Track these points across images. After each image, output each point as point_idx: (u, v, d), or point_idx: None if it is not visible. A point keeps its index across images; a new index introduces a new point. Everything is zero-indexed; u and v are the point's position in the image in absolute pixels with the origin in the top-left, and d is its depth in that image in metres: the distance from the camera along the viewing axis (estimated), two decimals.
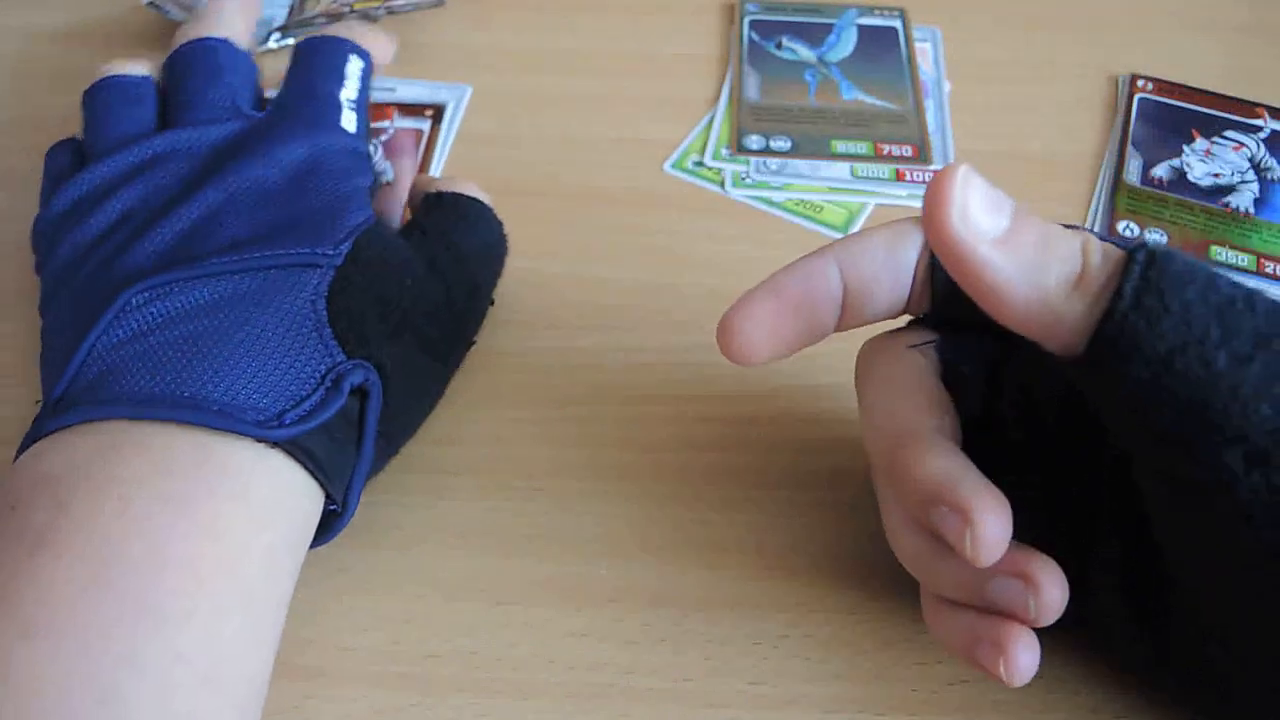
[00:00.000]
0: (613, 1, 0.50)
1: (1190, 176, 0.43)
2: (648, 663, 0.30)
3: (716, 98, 0.46)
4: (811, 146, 0.44)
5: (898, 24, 0.49)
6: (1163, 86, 0.46)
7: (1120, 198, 0.42)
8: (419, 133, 0.44)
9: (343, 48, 0.38)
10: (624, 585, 0.31)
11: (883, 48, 0.48)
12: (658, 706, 0.29)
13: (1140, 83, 0.46)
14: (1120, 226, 0.41)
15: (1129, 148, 0.44)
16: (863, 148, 0.43)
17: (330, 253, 0.31)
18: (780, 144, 0.43)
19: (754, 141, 0.43)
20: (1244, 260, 0.40)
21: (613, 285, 0.39)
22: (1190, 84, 0.46)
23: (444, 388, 0.35)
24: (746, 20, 0.49)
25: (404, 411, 0.32)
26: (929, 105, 0.46)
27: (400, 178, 0.41)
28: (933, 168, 0.43)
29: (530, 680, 0.29)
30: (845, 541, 0.32)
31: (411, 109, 0.45)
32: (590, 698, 0.29)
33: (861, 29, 0.49)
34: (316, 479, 0.28)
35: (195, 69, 0.37)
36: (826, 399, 0.35)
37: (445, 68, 0.47)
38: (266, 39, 0.47)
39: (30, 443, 0.27)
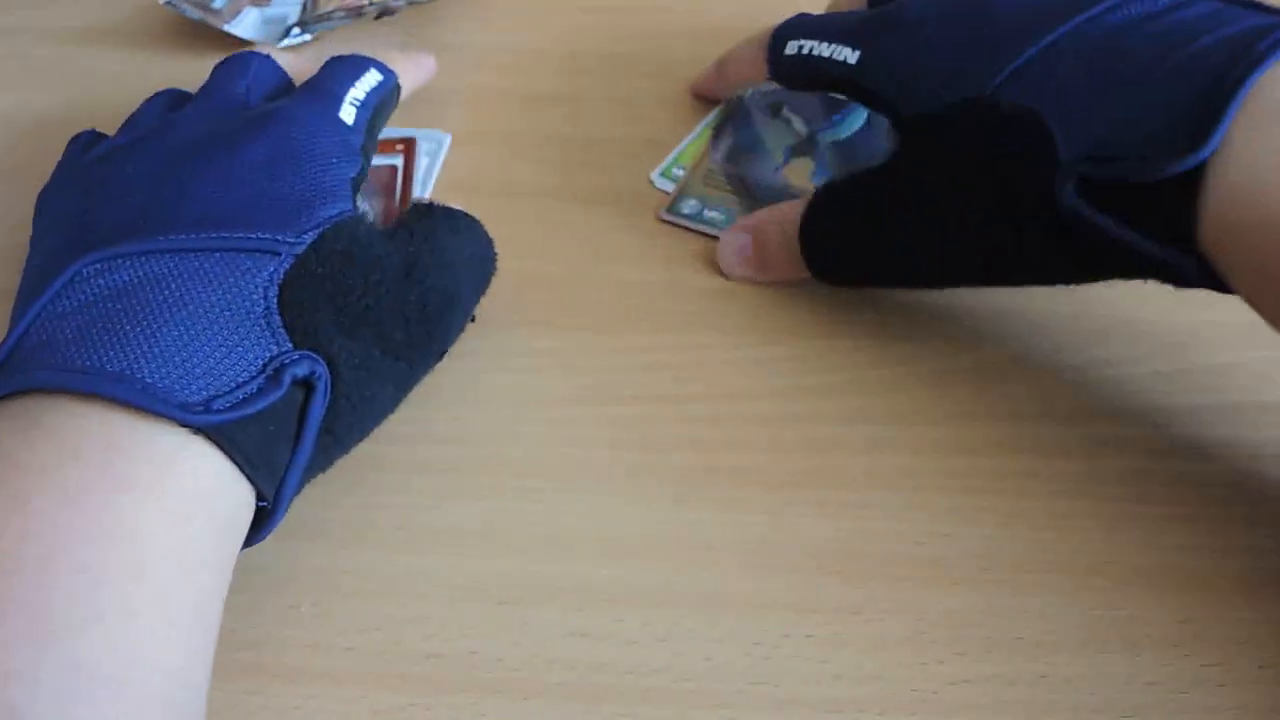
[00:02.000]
0: (620, 8, 0.50)
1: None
2: (648, 663, 0.30)
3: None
4: None
5: None
6: None
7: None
8: (393, 169, 0.42)
9: (366, 62, 0.38)
10: (624, 585, 0.31)
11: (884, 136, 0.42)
12: (658, 706, 0.29)
13: None
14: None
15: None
16: None
17: (292, 240, 0.30)
18: (714, 215, 0.41)
19: (690, 206, 0.41)
20: None
21: (613, 285, 0.39)
22: None
23: (405, 393, 0.33)
24: (749, 89, 0.44)
25: (356, 410, 0.30)
26: None
27: (377, 217, 0.40)
28: None
29: (530, 680, 0.29)
30: (845, 541, 0.32)
31: (382, 144, 0.42)
32: (590, 698, 0.29)
33: (874, 116, 0.43)
34: (243, 471, 0.27)
35: (223, 67, 0.38)
36: (827, 399, 0.35)
37: (445, 68, 0.47)
38: (285, 35, 0.47)
39: None
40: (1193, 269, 0.28)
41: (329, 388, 0.29)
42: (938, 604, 0.31)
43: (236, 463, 0.27)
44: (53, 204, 0.34)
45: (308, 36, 0.48)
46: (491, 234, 0.39)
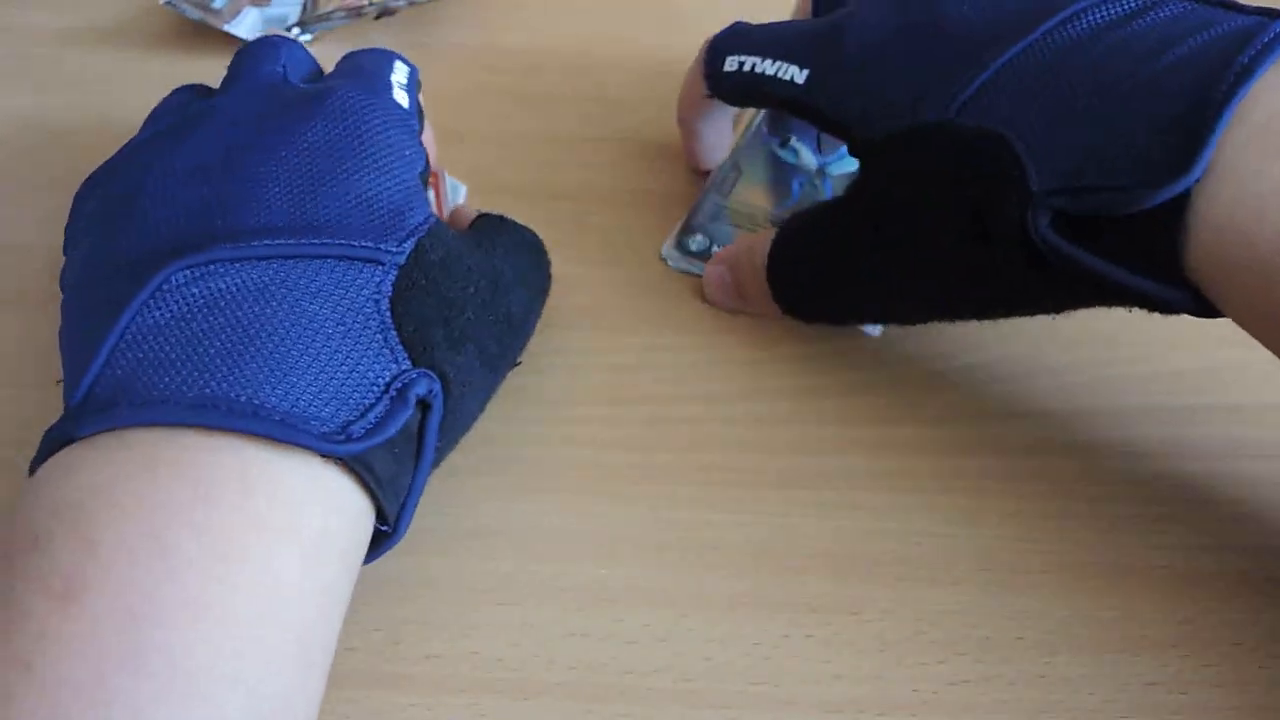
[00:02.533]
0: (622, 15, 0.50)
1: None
2: (648, 663, 0.30)
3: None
4: None
5: None
6: None
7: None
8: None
9: (388, 52, 0.36)
10: (624, 585, 0.31)
11: None
12: (658, 706, 0.29)
13: None
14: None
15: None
16: None
17: (394, 250, 0.28)
18: None
19: (697, 243, 0.39)
20: None
21: (613, 285, 0.39)
22: None
23: (481, 411, 0.32)
24: (760, 114, 0.43)
25: (456, 425, 0.30)
26: None
27: None
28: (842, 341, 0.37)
29: (530, 680, 0.29)
30: (845, 541, 0.32)
31: None
32: (590, 698, 0.29)
33: None
34: (376, 500, 0.26)
35: (251, 49, 0.35)
36: (826, 399, 0.35)
37: (445, 68, 0.47)
38: (285, 35, 0.47)
39: (54, 447, 0.24)
40: (1188, 303, 0.27)
41: (443, 405, 0.28)
42: (938, 604, 0.31)
43: (371, 490, 0.25)
44: (94, 197, 0.31)
45: (308, 36, 0.48)
46: None
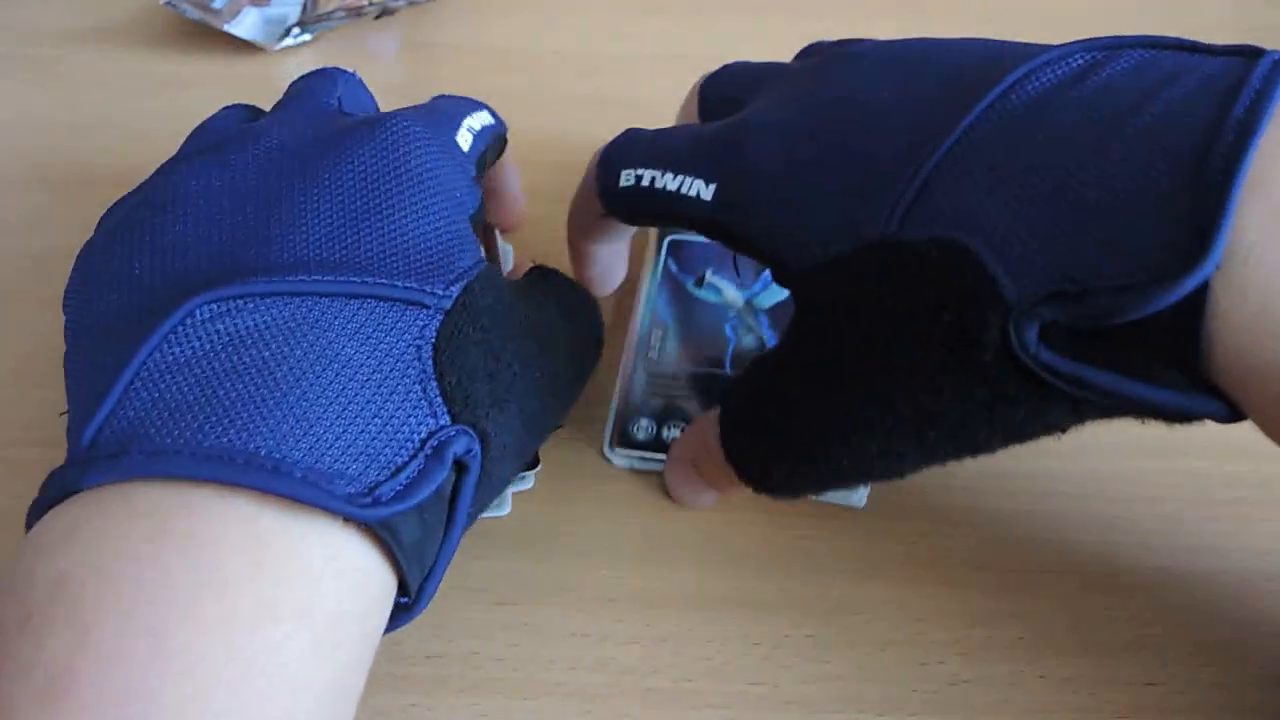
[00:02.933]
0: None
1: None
2: (648, 663, 0.30)
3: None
4: None
5: None
6: None
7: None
8: None
9: (477, 102, 0.34)
10: (624, 585, 0.31)
11: None
12: (658, 706, 0.29)
13: None
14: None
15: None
16: None
17: (440, 293, 0.26)
18: (674, 434, 0.34)
19: (643, 428, 0.34)
20: None
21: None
22: None
23: (517, 475, 0.30)
24: (665, 243, 0.39)
25: (489, 491, 0.27)
26: None
27: None
28: (835, 495, 0.33)
29: (530, 680, 0.29)
30: (846, 541, 0.32)
31: None
32: (590, 698, 0.29)
33: None
34: (400, 569, 0.23)
35: (307, 79, 0.34)
36: None
37: (445, 68, 0.47)
38: (285, 35, 0.47)
39: (54, 498, 0.22)
40: (1221, 412, 0.22)
41: (481, 467, 0.25)
42: (938, 604, 0.31)
43: (396, 559, 0.23)
44: (119, 212, 0.28)
45: (308, 36, 0.48)
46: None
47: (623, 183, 0.30)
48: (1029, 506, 0.33)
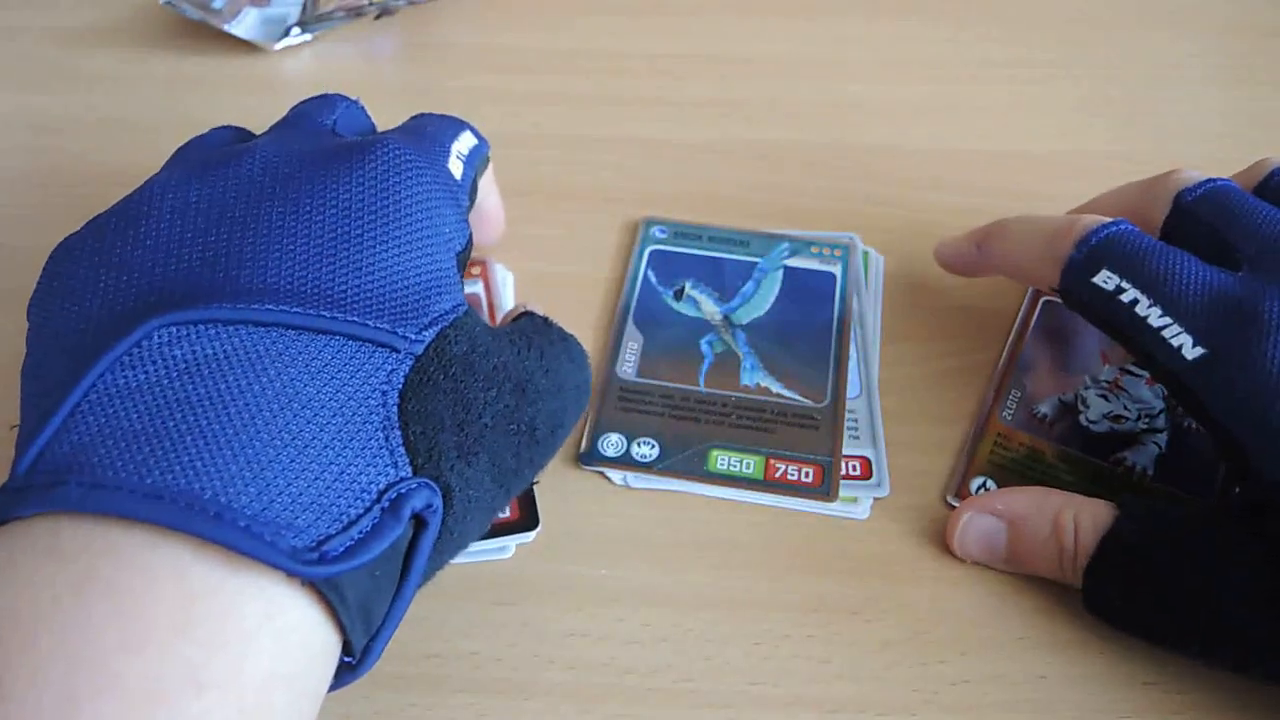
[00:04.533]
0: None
1: (1083, 418, 0.34)
2: (648, 663, 0.30)
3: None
4: (682, 458, 0.33)
5: (838, 270, 0.38)
6: None
7: (984, 443, 0.34)
8: (475, 297, 0.38)
9: (459, 121, 0.33)
10: (624, 585, 0.31)
11: (811, 305, 0.37)
12: (658, 706, 0.29)
13: None
14: (974, 485, 0.33)
15: (1014, 373, 0.35)
16: (749, 465, 0.33)
17: (413, 337, 0.25)
18: (644, 451, 0.33)
19: (612, 445, 0.34)
20: None
21: (611, 284, 0.39)
22: None
23: (490, 524, 0.28)
24: (646, 253, 0.39)
25: (451, 546, 0.26)
26: (859, 401, 0.35)
27: None
28: (834, 508, 0.32)
29: (530, 680, 0.29)
30: (846, 542, 0.32)
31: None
32: (590, 698, 0.29)
33: (789, 274, 0.38)
34: (343, 629, 0.22)
35: (304, 104, 0.33)
36: None
37: (445, 68, 0.47)
38: (285, 35, 0.47)
39: None
40: None
41: (441, 521, 0.24)
42: (938, 604, 0.31)
43: (338, 620, 0.22)
44: (95, 227, 0.27)
45: (308, 36, 0.48)
46: None
47: (1100, 281, 0.30)
48: None
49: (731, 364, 0.36)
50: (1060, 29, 0.49)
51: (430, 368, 0.25)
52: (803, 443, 0.34)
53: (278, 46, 0.47)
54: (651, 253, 0.39)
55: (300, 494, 0.21)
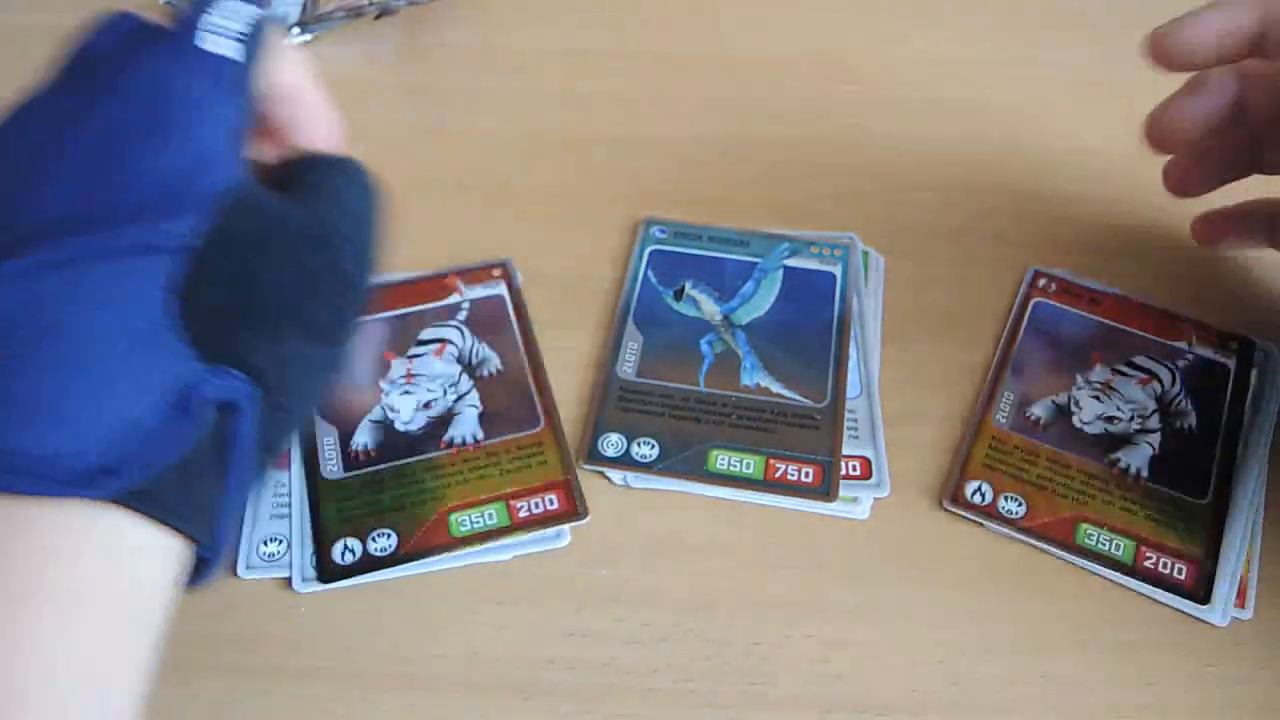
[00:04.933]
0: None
1: (1076, 419, 0.34)
2: (648, 663, 0.30)
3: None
4: (682, 458, 0.33)
5: (838, 270, 0.38)
6: (1067, 287, 0.38)
7: (979, 446, 0.34)
8: (500, 299, 0.38)
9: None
10: (624, 585, 0.31)
11: (811, 305, 0.37)
12: (658, 706, 0.29)
13: (1041, 282, 0.38)
14: (970, 489, 0.33)
15: (1006, 375, 0.35)
16: (749, 465, 0.33)
17: (181, 232, 0.24)
18: (644, 451, 0.34)
19: (612, 444, 0.34)
20: (1120, 548, 0.31)
21: (610, 284, 0.39)
22: (1105, 286, 0.38)
23: (334, 375, 0.28)
24: (646, 253, 0.39)
25: (291, 413, 0.26)
26: (859, 401, 0.35)
27: (495, 360, 0.36)
28: (834, 508, 0.32)
29: (530, 680, 0.29)
30: (846, 542, 0.32)
31: (476, 274, 0.38)
32: (590, 698, 0.29)
33: (789, 274, 0.38)
34: (172, 528, 0.23)
35: (79, 33, 0.30)
36: None
37: (445, 68, 0.47)
38: (284, 35, 0.47)
39: None
40: None
41: (257, 405, 0.24)
42: (937, 604, 0.31)
43: (161, 522, 0.22)
44: None
45: (308, 36, 0.48)
46: (490, 234, 0.40)
47: None
48: None
49: (731, 364, 0.36)
50: (1060, 29, 0.49)
51: (212, 257, 0.24)
52: (803, 443, 0.34)
53: None
54: (651, 253, 0.39)
55: (87, 426, 0.22)
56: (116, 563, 0.22)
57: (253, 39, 0.29)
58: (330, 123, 0.33)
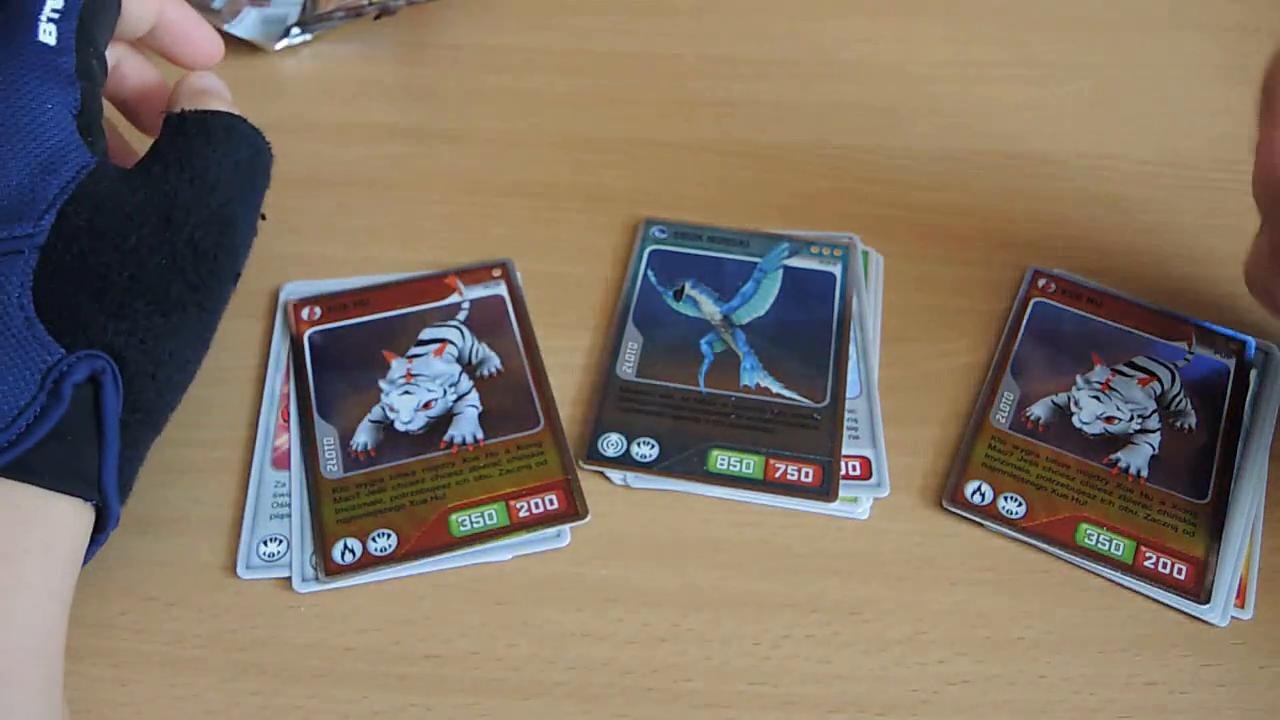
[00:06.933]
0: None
1: (1076, 420, 0.34)
2: (648, 663, 0.30)
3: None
4: (682, 458, 0.33)
5: (837, 270, 0.38)
6: (1067, 287, 0.38)
7: (979, 447, 0.34)
8: (499, 299, 0.38)
9: None
10: (624, 585, 0.31)
11: (811, 305, 0.37)
12: (658, 706, 0.29)
13: (1041, 282, 0.38)
14: (970, 489, 0.32)
15: (1006, 375, 0.35)
16: (749, 465, 0.33)
17: (30, 231, 0.27)
18: (644, 451, 0.34)
19: (612, 444, 0.34)
20: (1120, 548, 0.31)
21: (611, 284, 0.39)
22: (1105, 286, 0.38)
23: (211, 330, 0.31)
24: (646, 253, 0.39)
25: (159, 377, 0.29)
26: (859, 401, 0.35)
27: (495, 360, 0.36)
28: (834, 508, 0.32)
29: (530, 680, 0.29)
30: (846, 542, 0.32)
31: (476, 274, 0.38)
32: (590, 698, 0.29)
33: (789, 274, 0.38)
34: (50, 489, 0.26)
35: None
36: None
37: (445, 68, 0.47)
38: (285, 35, 0.47)
39: None
40: None
41: (117, 377, 0.27)
42: (938, 604, 0.31)
43: (42, 486, 0.25)
44: None
45: (308, 36, 0.48)
46: (490, 233, 0.40)
47: None
48: None
49: (731, 364, 0.36)
50: (1060, 29, 0.49)
51: (56, 253, 0.27)
52: (803, 443, 0.34)
53: (278, 46, 0.47)
54: (651, 253, 0.39)
55: None
56: (12, 526, 0.25)
57: (70, 12, 0.29)
58: (201, 40, 0.34)
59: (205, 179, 0.30)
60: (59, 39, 0.29)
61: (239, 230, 0.31)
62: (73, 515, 0.26)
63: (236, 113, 0.32)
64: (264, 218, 0.34)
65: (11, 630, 0.24)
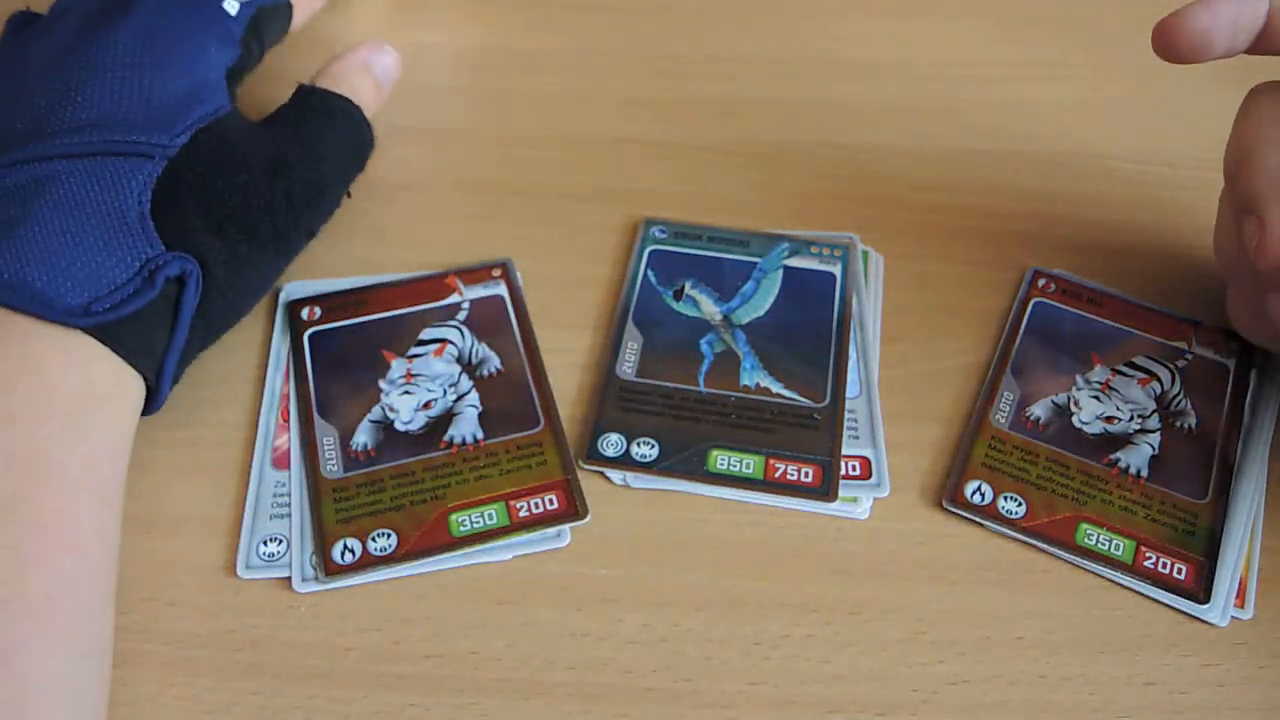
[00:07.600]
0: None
1: (1076, 419, 0.34)
2: (648, 663, 0.30)
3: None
4: (681, 458, 0.33)
5: (837, 270, 0.38)
6: (1067, 287, 0.38)
7: (979, 446, 0.34)
8: (499, 299, 0.38)
9: None
10: (624, 585, 0.31)
11: (811, 305, 0.37)
12: (658, 706, 0.29)
13: (1041, 282, 0.38)
14: (970, 489, 0.33)
15: (1006, 375, 0.35)
16: (749, 465, 0.33)
17: (165, 143, 0.32)
18: (644, 451, 0.34)
19: (611, 444, 0.34)
20: (1120, 548, 0.31)
21: (611, 284, 0.39)
22: (1105, 286, 0.38)
23: (278, 273, 0.36)
24: (646, 253, 0.39)
25: (227, 296, 0.33)
26: (859, 401, 0.35)
27: (494, 360, 0.36)
28: (834, 508, 0.32)
29: (530, 680, 0.29)
30: (846, 542, 0.32)
31: (476, 274, 0.38)
32: (590, 698, 0.29)
33: (789, 274, 0.38)
34: (125, 359, 0.30)
35: None
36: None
37: (445, 68, 0.47)
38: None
39: None
40: None
41: (200, 282, 0.32)
42: (938, 604, 0.31)
43: (117, 353, 0.30)
44: None
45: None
46: (490, 232, 0.40)
47: None
48: None
49: (731, 364, 0.36)
50: (1061, 29, 0.49)
51: (181, 167, 0.32)
52: (803, 443, 0.34)
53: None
54: (651, 253, 0.39)
55: (76, 273, 0.30)
56: (85, 378, 0.29)
57: (252, 4, 0.37)
58: (361, 51, 0.40)
59: (313, 148, 0.35)
60: (238, 11, 0.37)
61: (327, 197, 0.36)
62: (135, 386, 0.31)
63: (357, 102, 0.37)
64: (349, 195, 0.37)
65: (88, 440, 0.29)
